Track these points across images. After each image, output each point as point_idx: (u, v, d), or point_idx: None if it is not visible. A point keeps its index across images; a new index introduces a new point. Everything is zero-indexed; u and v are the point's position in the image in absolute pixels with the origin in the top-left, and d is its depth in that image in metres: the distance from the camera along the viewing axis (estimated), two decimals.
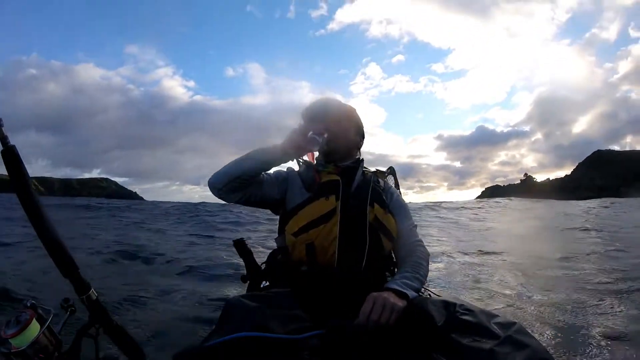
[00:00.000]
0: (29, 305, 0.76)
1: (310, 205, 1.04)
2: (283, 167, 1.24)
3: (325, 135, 1.06)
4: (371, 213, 1.05)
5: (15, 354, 0.71)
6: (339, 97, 1.25)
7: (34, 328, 0.73)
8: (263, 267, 1.19)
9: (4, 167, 0.75)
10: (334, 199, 1.04)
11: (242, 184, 1.05)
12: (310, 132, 1.04)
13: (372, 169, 1.27)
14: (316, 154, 1.24)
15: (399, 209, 1.17)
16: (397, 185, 1.62)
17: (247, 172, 1.04)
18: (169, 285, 3.23)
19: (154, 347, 1.78)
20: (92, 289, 0.84)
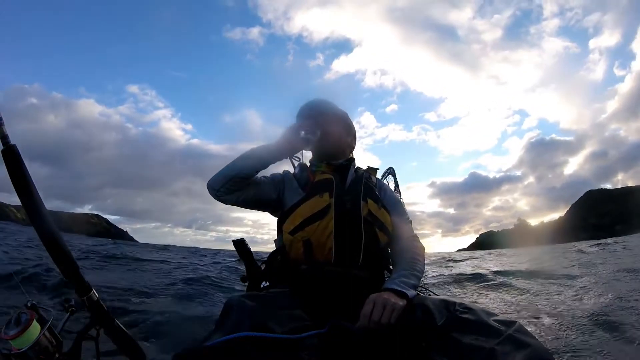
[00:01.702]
0: (29, 305, 0.76)
1: (305, 203, 1.06)
2: (279, 169, 1.25)
3: (318, 133, 1.09)
4: (365, 208, 1.07)
5: (16, 356, 0.71)
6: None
7: (35, 329, 0.73)
8: (263, 267, 1.19)
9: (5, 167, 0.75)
10: (328, 195, 1.06)
11: (238, 184, 1.06)
12: (302, 132, 1.07)
13: (365, 167, 1.29)
14: (309, 155, 1.26)
15: (394, 205, 1.19)
16: (397, 186, 1.62)
17: (242, 171, 1.05)
18: (169, 285, 3.24)
19: (154, 347, 1.78)
20: (93, 290, 0.84)
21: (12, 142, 0.75)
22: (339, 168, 1.19)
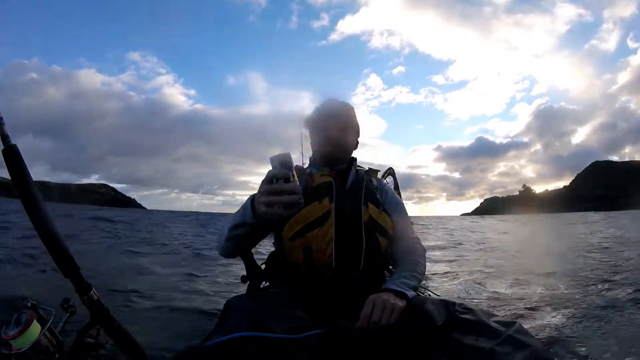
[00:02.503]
0: (29, 305, 0.76)
1: (304, 209, 1.02)
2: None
3: (296, 182, 0.78)
4: (366, 213, 1.05)
5: (16, 356, 0.71)
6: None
7: (35, 329, 0.73)
8: (263, 267, 1.19)
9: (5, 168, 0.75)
10: (328, 201, 1.03)
11: (240, 248, 1.05)
12: (273, 207, 0.78)
13: (365, 168, 1.26)
14: (310, 153, 1.24)
15: (395, 207, 1.17)
16: (396, 186, 1.62)
17: (232, 249, 1.01)
18: (169, 285, 3.24)
19: (155, 347, 1.78)
20: (93, 290, 0.84)
21: (13, 142, 0.75)
22: (340, 171, 1.16)
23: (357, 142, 1.27)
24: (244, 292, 1.16)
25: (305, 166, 1.25)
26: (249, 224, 0.87)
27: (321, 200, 1.04)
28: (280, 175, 0.76)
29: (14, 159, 0.74)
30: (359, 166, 1.24)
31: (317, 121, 1.21)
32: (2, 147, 0.74)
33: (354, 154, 1.27)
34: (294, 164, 0.80)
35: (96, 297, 0.84)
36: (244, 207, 0.89)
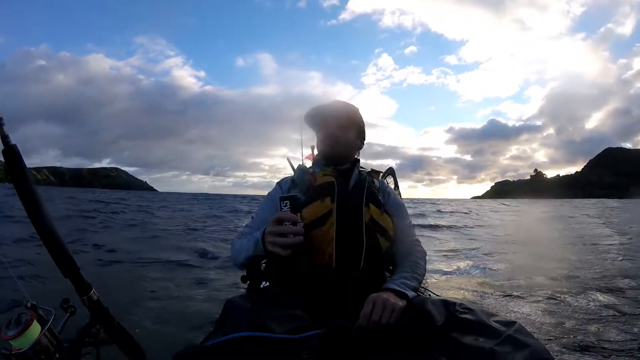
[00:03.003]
0: (29, 306, 0.76)
1: (306, 209, 1.03)
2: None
3: (302, 225, 0.89)
4: (367, 213, 1.05)
5: (16, 356, 0.71)
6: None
7: (35, 329, 0.73)
8: (263, 267, 1.19)
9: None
10: (329, 201, 1.04)
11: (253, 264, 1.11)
12: (279, 248, 0.88)
13: (368, 169, 1.26)
14: (315, 151, 1.25)
15: (396, 209, 1.17)
16: (396, 186, 1.62)
17: (245, 262, 1.08)
18: (169, 285, 3.24)
19: (155, 347, 1.78)
20: (93, 290, 0.84)
21: (13, 141, 0.75)
22: (342, 171, 1.17)
23: (362, 143, 1.27)
24: (244, 292, 1.17)
25: (309, 165, 1.25)
26: (262, 255, 0.98)
27: (323, 200, 1.04)
28: (288, 218, 0.86)
29: (14, 159, 0.74)
30: (361, 167, 1.24)
31: (317, 119, 1.21)
32: (2, 147, 0.74)
33: (359, 156, 1.27)
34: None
35: (96, 297, 0.84)
36: (256, 240, 0.97)
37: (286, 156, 1.27)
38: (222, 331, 0.69)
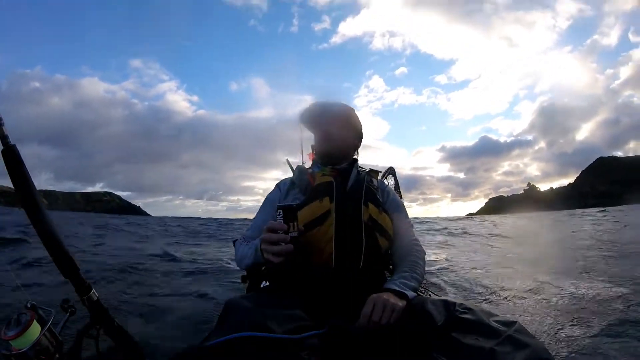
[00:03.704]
0: (29, 306, 0.76)
1: (305, 208, 1.04)
2: (272, 182, 1.24)
3: (294, 234, 0.90)
4: (366, 213, 1.05)
5: (16, 356, 0.71)
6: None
7: (35, 329, 0.73)
8: (263, 267, 1.19)
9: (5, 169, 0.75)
10: (328, 200, 1.04)
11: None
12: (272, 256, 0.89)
13: (367, 169, 1.26)
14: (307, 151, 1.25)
15: (395, 208, 1.17)
16: (397, 186, 1.62)
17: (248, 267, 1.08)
18: (169, 285, 3.24)
19: (154, 347, 1.78)
20: (93, 290, 0.84)
21: (12, 142, 0.75)
22: (341, 171, 1.17)
23: (359, 143, 1.27)
24: (244, 292, 1.17)
25: (307, 165, 1.25)
26: (262, 263, 0.98)
27: (322, 200, 1.04)
28: (277, 227, 0.88)
29: (14, 159, 0.74)
30: (360, 167, 1.24)
31: (313, 117, 1.22)
32: (2, 147, 0.74)
33: (357, 156, 1.27)
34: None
35: (96, 298, 0.85)
36: (255, 248, 0.98)
37: (286, 158, 1.27)
38: (222, 331, 0.69)
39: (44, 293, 2.65)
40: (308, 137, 1.29)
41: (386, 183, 1.35)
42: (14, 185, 0.74)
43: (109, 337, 0.87)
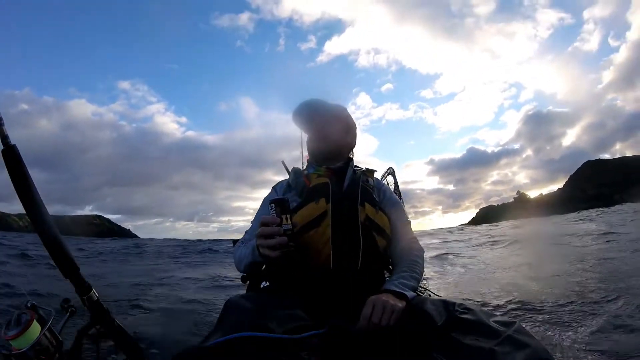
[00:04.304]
0: (29, 306, 0.76)
1: (301, 210, 1.03)
2: (256, 186, 1.24)
3: (287, 226, 0.89)
4: (362, 213, 1.05)
5: (16, 356, 0.71)
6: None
7: (35, 329, 0.73)
8: (263, 267, 1.19)
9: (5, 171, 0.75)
10: (324, 201, 1.04)
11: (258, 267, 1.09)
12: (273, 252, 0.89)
13: (363, 168, 1.25)
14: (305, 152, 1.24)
15: (392, 207, 1.16)
16: (396, 186, 1.62)
17: (248, 268, 1.08)
18: (169, 285, 3.24)
19: (155, 347, 1.78)
20: (93, 290, 0.84)
21: (12, 142, 0.75)
22: (336, 171, 1.16)
23: (354, 143, 1.26)
24: (244, 292, 1.17)
25: (304, 167, 1.24)
26: (260, 262, 0.98)
27: (317, 201, 1.04)
28: (270, 221, 0.88)
29: (14, 159, 0.74)
30: (356, 166, 1.23)
31: (305, 115, 1.21)
32: (2, 147, 0.74)
33: (353, 156, 1.27)
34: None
35: (96, 298, 0.85)
36: (252, 247, 0.98)
37: (282, 160, 1.26)
38: (222, 331, 0.69)
39: (44, 293, 2.65)
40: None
41: (386, 183, 1.34)
42: (14, 185, 0.74)
43: (109, 337, 0.87)
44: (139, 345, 0.91)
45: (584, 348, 1.80)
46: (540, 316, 2.34)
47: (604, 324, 2.11)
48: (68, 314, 0.85)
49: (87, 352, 0.84)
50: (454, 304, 0.79)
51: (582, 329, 2.07)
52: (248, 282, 1.19)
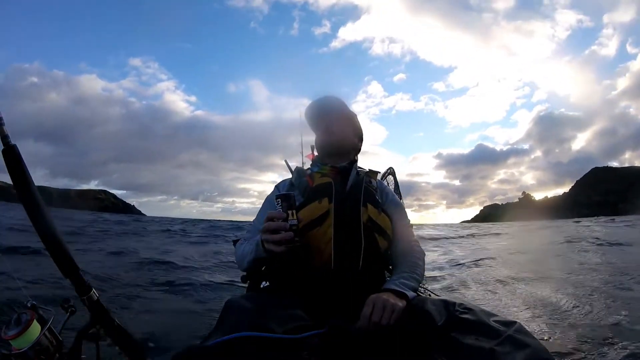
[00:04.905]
0: (29, 306, 0.76)
1: (304, 209, 1.03)
2: (268, 184, 1.24)
3: (293, 221, 0.90)
4: (365, 214, 1.05)
5: (16, 356, 0.71)
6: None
7: (35, 329, 0.73)
8: (263, 267, 1.19)
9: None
10: (327, 201, 1.04)
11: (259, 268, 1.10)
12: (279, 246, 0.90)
13: (366, 169, 1.26)
14: (315, 152, 1.25)
15: (395, 209, 1.17)
16: (397, 186, 1.62)
17: (252, 269, 1.10)
18: (169, 285, 3.24)
19: (155, 347, 1.78)
20: (93, 290, 0.84)
21: (13, 142, 0.75)
22: (340, 171, 1.17)
23: (360, 145, 1.27)
24: (244, 292, 1.17)
25: (306, 167, 1.25)
26: (264, 258, 0.98)
27: (320, 201, 1.04)
28: (276, 216, 0.89)
29: (14, 159, 0.74)
30: (359, 167, 1.24)
31: (317, 111, 1.22)
32: (2, 147, 0.74)
33: (357, 159, 1.27)
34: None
35: (96, 297, 0.85)
36: (256, 243, 0.98)
37: (284, 159, 1.27)
38: (222, 331, 0.69)
39: (44, 293, 2.65)
40: (308, 140, 1.29)
41: (386, 183, 1.35)
42: (14, 184, 0.74)
43: (109, 337, 0.87)
44: (139, 345, 0.91)
45: (585, 348, 1.80)
46: (540, 316, 2.34)
47: (605, 324, 2.11)
48: (68, 314, 0.85)
49: (87, 352, 0.84)
50: (454, 303, 0.79)
51: (583, 328, 2.07)
52: (248, 282, 1.19)
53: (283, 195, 0.91)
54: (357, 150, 1.27)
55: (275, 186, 1.24)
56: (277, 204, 0.90)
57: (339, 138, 1.19)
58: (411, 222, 1.22)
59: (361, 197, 1.08)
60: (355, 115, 1.28)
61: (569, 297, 2.75)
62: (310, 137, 1.29)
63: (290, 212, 0.89)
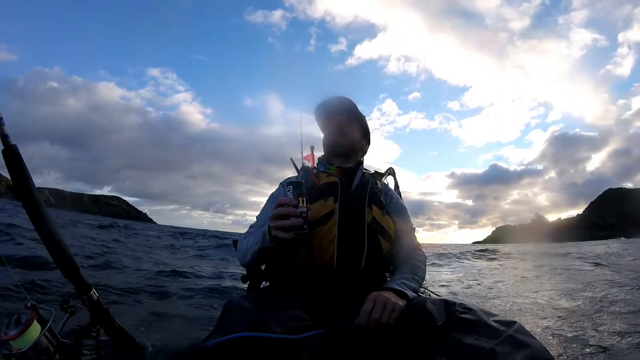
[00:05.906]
0: (29, 306, 0.76)
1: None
2: (274, 183, 1.25)
3: (304, 208, 0.90)
4: (369, 214, 1.06)
5: (16, 356, 0.71)
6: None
7: (35, 329, 0.73)
8: (263, 267, 1.19)
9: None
10: (332, 200, 1.05)
11: (261, 262, 1.09)
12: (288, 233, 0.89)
13: (371, 171, 1.27)
14: (319, 154, 1.26)
15: (398, 211, 1.18)
16: (397, 186, 1.62)
17: (255, 263, 1.08)
18: (169, 285, 3.24)
19: (155, 347, 1.78)
20: (93, 290, 0.84)
21: (13, 142, 0.75)
22: (346, 171, 1.18)
23: (367, 147, 1.28)
24: (244, 292, 1.17)
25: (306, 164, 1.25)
26: (269, 247, 0.96)
27: (326, 200, 1.05)
28: (287, 202, 0.88)
29: (14, 159, 0.74)
30: (365, 169, 1.25)
31: (326, 110, 1.23)
32: (2, 147, 0.74)
33: (364, 160, 1.28)
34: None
35: (96, 297, 0.85)
36: (263, 232, 0.96)
37: (290, 157, 1.28)
38: (222, 331, 0.69)
39: (44, 293, 2.65)
40: (308, 138, 1.30)
41: (386, 183, 1.35)
42: (14, 184, 0.74)
43: (109, 337, 0.87)
44: (139, 345, 0.91)
45: (585, 348, 1.80)
46: (540, 316, 2.34)
47: (605, 324, 2.11)
48: (68, 314, 0.85)
49: (87, 352, 0.84)
50: (454, 303, 0.79)
51: (583, 329, 2.07)
52: (248, 282, 1.19)
53: (294, 182, 0.91)
54: (364, 151, 1.28)
55: (280, 184, 1.25)
56: (288, 191, 0.90)
57: (348, 139, 1.19)
58: (414, 226, 1.22)
59: (366, 198, 1.09)
60: (364, 117, 1.28)
61: (573, 299, 2.75)
62: (311, 137, 1.29)
63: (301, 199, 0.89)
